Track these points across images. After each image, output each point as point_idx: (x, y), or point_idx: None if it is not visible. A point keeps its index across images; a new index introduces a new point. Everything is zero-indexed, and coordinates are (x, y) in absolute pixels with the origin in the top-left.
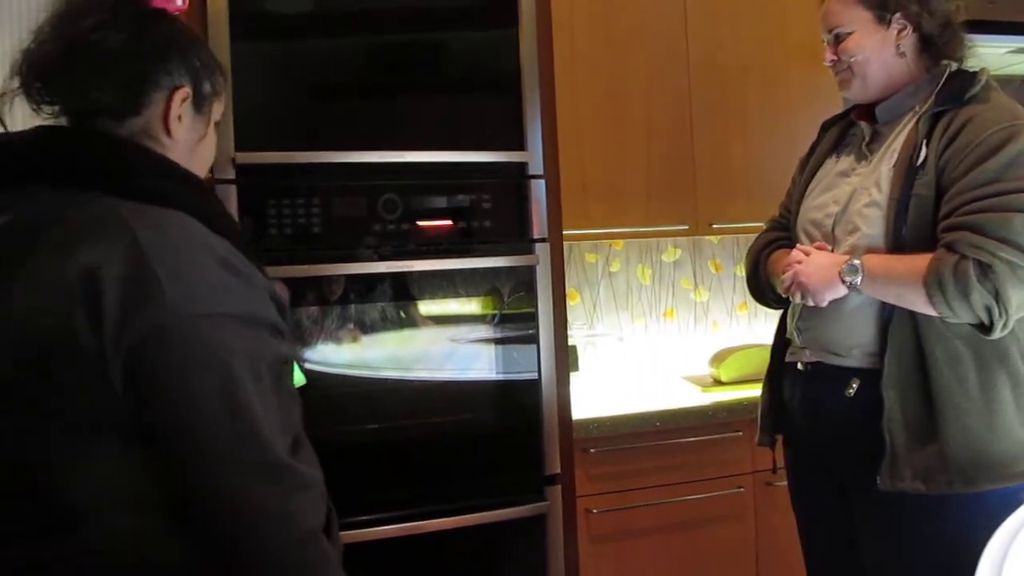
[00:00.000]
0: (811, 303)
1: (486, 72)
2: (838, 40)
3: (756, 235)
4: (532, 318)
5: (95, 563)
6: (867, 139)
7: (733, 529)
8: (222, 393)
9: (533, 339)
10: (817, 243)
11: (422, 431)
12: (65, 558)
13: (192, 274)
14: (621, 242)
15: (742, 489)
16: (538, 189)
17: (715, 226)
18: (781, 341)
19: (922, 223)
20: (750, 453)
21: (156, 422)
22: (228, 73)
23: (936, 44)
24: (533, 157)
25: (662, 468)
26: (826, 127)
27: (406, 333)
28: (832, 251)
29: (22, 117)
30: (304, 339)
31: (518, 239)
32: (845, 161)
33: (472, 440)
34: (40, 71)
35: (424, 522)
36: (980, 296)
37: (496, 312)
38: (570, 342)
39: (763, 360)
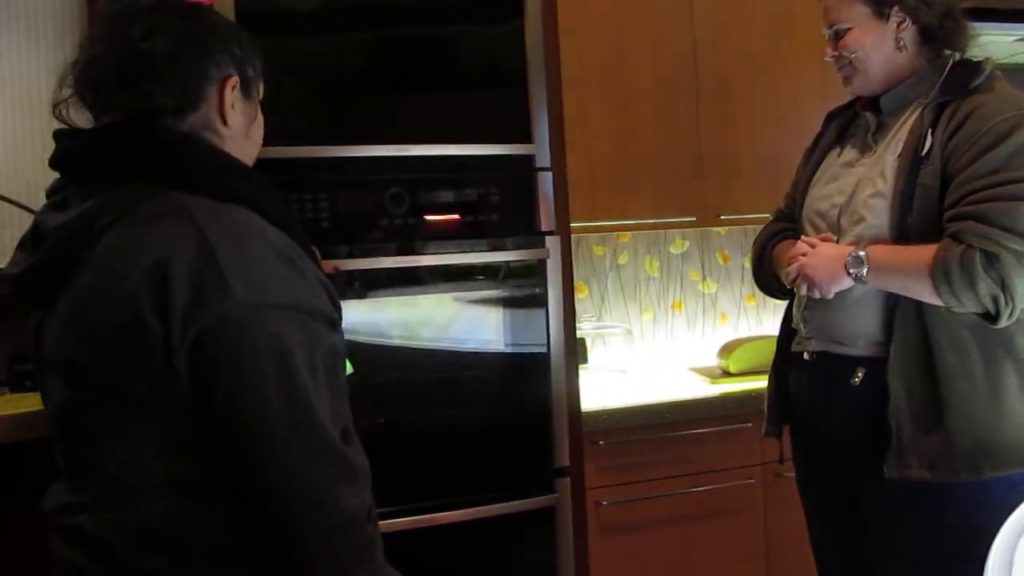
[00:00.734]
0: (817, 295)
1: (492, 65)
2: (838, 36)
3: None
4: (541, 311)
5: (147, 539)
6: (872, 130)
7: (742, 520)
8: (282, 379)
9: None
10: (822, 235)
11: (432, 425)
12: (121, 532)
13: (254, 267)
14: (629, 234)
15: (752, 480)
16: (545, 182)
17: (723, 217)
18: (786, 331)
19: (927, 213)
20: (759, 444)
21: (217, 406)
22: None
23: (937, 35)
24: (540, 150)
25: (671, 460)
26: (831, 118)
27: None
28: (837, 242)
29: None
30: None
31: (526, 232)
32: (850, 152)
33: (482, 433)
34: (98, 85)
35: (434, 515)
36: (986, 286)
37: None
38: (578, 335)
39: (771, 352)
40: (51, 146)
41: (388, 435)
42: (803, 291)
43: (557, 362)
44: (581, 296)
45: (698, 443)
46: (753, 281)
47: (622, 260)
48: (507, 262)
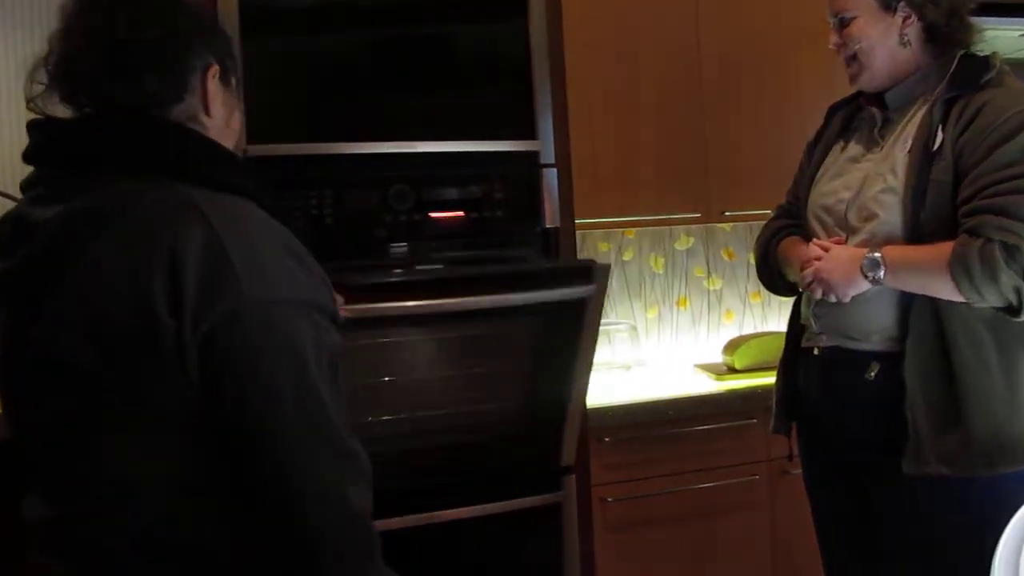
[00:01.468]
0: (833, 299)
1: (497, 62)
2: (842, 24)
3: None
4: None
5: (143, 541)
6: (878, 125)
7: (748, 517)
8: (295, 376)
9: None
10: (834, 237)
11: (438, 422)
12: (124, 540)
13: (264, 261)
14: (633, 231)
15: (757, 477)
16: (550, 178)
17: (728, 214)
18: (796, 327)
19: (940, 208)
20: (765, 441)
21: (227, 404)
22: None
23: (942, 34)
24: (545, 146)
25: (677, 457)
26: (833, 111)
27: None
28: (846, 239)
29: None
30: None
31: (530, 229)
32: (854, 147)
33: (487, 430)
34: (82, 78)
35: (440, 512)
36: (1008, 278)
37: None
38: None
39: (777, 348)
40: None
41: (395, 432)
42: (818, 295)
43: None
44: None
45: (703, 440)
46: (758, 278)
47: (627, 257)
48: (512, 258)
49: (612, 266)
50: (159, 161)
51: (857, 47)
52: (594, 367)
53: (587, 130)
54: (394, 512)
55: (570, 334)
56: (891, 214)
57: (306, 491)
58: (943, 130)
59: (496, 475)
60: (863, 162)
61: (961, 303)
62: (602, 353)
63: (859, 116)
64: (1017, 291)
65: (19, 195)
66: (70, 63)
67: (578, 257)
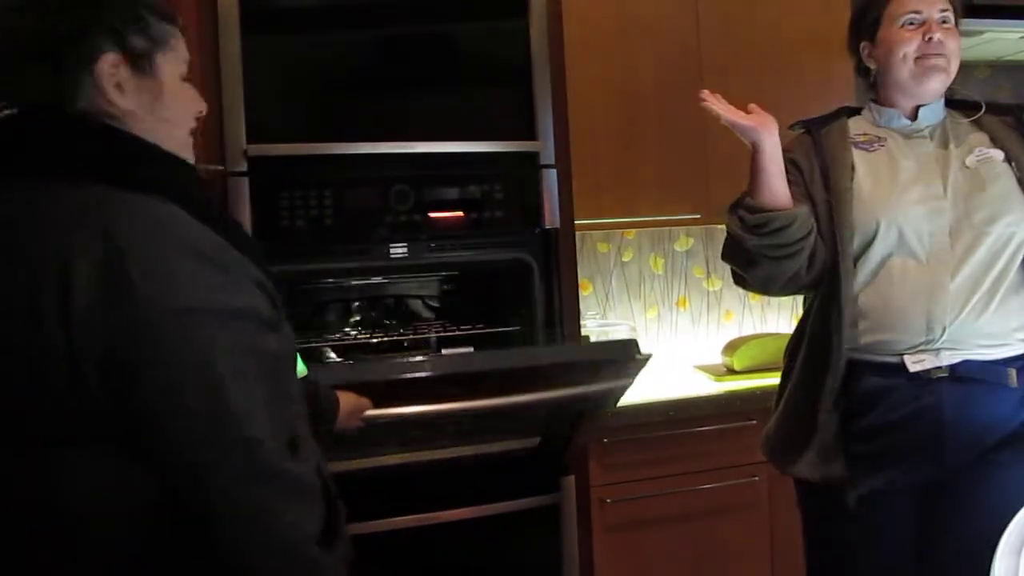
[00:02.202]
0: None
1: (497, 62)
2: (943, 23)
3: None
4: (545, 308)
5: (88, 567)
6: (926, 136)
7: (747, 518)
8: (202, 391)
9: (545, 329)
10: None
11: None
12: (59, 563)
13: (167, 266)
14: (633, 231)
15: (756, 478)
16: (550, 179)
17: None
18: (836, 357)
19: None
20: None
21: (136, 423)
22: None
23: None
24: (545, 147)
25: (676, 458)
26: (816, 123)
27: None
28: (954, 246)
29: None
30: (317, 331)
31: (530, 229)
32: (904, 158)
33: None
34: None
35: (438, 512)
36: None
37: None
38: (583, 332)
39: (777, 349)
40: None
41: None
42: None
43: None
44: (585, 293)
45: (703, 441)
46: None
47: (626, 257)
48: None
49: (612, 267)
50: (59, 162)
51: (952, 49)
52: None
53: (587, 131)
54: (393, 513)
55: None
56: (1011, 214)
57: (226, 514)
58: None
59: (495, 476)
60: (931, 168)
61: None
62: None
63: (873, 131)
64: None
65: None
66: None
67: (577, 258)
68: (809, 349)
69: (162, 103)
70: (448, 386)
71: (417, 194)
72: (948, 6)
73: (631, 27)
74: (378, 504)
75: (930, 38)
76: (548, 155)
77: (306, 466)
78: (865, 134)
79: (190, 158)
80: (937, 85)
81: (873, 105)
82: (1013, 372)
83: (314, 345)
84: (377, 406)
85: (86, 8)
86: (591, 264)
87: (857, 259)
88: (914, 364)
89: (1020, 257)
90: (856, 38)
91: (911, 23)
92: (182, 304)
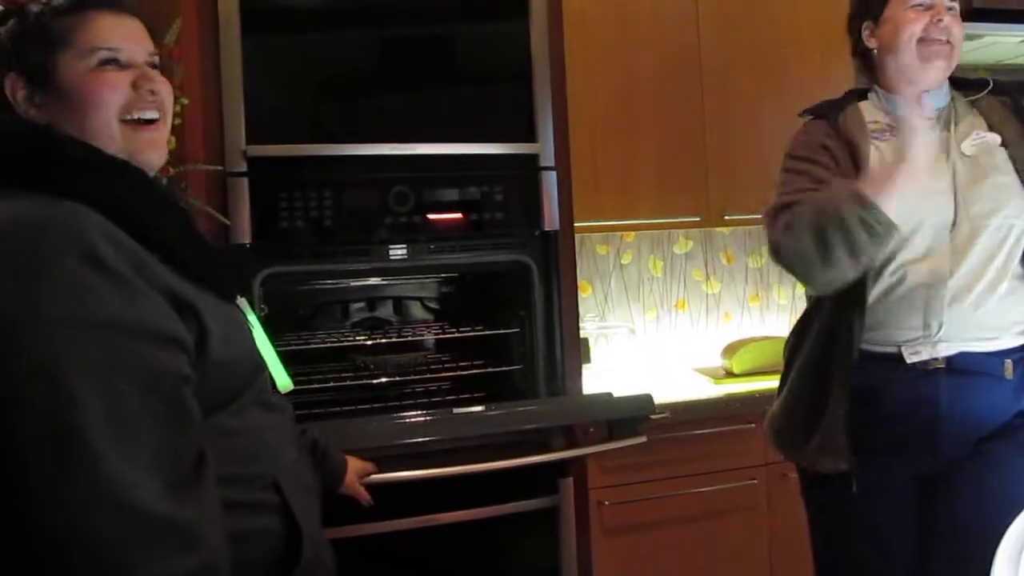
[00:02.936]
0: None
1: (497, 64)
2: (951, 10)
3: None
4: (544, 310)
5: None
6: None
7: (746, 521)
8: (49, 413)
9: (545, 331)
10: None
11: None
12: None
13: (41, 272)
14: (632, 234)
15: (755, 481)
16: (549, 181)
17: (727, 217)
18: (847, 350)
19: None
20: (763, 445)
21: None
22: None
23: None
24: (544, 149)
25: (674, 460)
26: (829, 110)
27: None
28: (953, 237)
29: None
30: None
31: (529, 231)
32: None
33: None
34: None
35: (437, 514)
36: None
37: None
38: (582, 334)
39: (776, 352)
40: None
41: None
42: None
43: (560, 362)
44: (584, 295)
45: (701, 444)
46: (757, 280)
47: (625, 259)
48: (510, 260)
49: (611, 269)
50: None
51: (953, 37)
52: (591, 369)
53: (587, 133)
54: (392, 515)
55: None
56: (1011, 205)
57: (61, 553)
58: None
59: (494, 478)
60: (938, 159)
61: None
62: (600, 355)
63: (883, 120)
64: None
65: None
66: None
67: (576, 260)
68: (819, 339)
69: (71, 106)
70: (459, 452)
71: (417, 195)
72: None
73: (631, 29)
74: (376, 506)
75: (939, 20)
76: (548, 157)
77: (193, 508)
78: (876, 122)
79: (136, 149)
80: (938, 73)
81: (879, 91)
82: (1010, 364)
83: (313, 346)
84: (382, 471)
85: None
86: (590, 266)
87: None
88: (911, 355)
89: (1021, 249)
90: (860, 17)
91: (920, 5)
92: (49, 313)
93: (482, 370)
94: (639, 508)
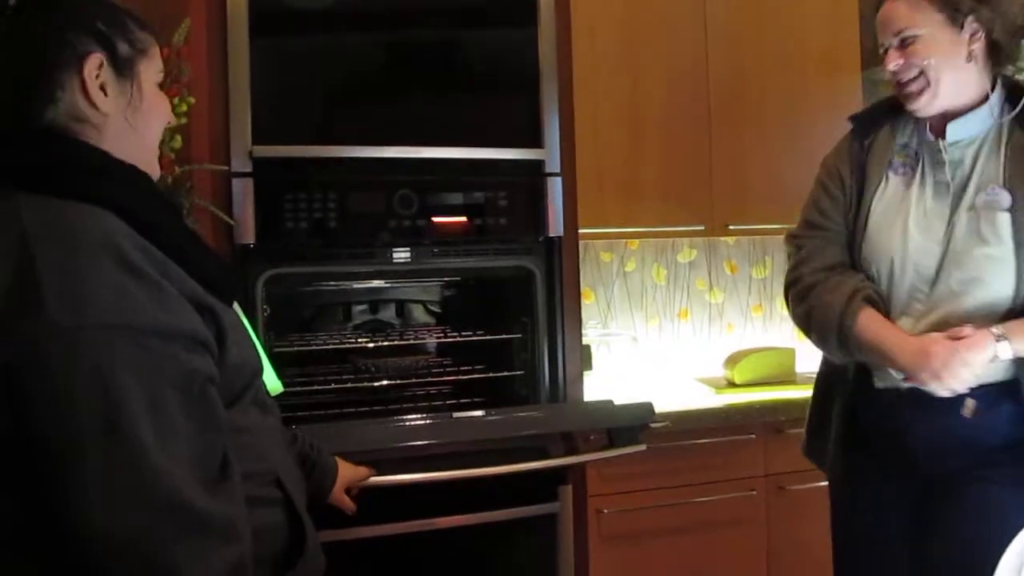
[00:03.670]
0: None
1: (504, 69)
2: (904, 44)
3: (792, 238)
4: (547, 317)
5: None
6: (945, 162)
7: (744, 532)
8: (100, 417)
9: (547, 337)
10: (960, 330)
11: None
12: None
13: (81, 280)
14: (636, 242)
15: (754, 492)
16: (554, 187)
17: (732, 227)
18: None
19: None
20: (763, 456)
21: (29, 448)
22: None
23: (1003, 52)
24: (550, 155)
25: (674, 470)
26: (865, 125)
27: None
28: (929, 300)
29: None
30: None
31: (533, 237)
32: (922, 189)
33: None
34: None
35: (435, 519)
36: None
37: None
38: (584, 341)
39: (778, 363)
40: None
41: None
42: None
43: (562, 369)
44: (587, 302)
45: (701, 454)
46: (761, 291)
47: (629, 267)
48: (513, 266)
49: (614, 276)
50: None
51: (924, 64)
52: (593, 377)
53: (593, 140)
54: (390, 518)
55: None
56: (1000, 281)
57: (116, 556)
58: None
59: (493, 484)
60: (939, 206)
61: None
62: (602, 363)
63: (905, 144)
64: None
65: None
66: None
67: (580, 267)
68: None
69: (137, 109)
70: (458, 457)
71: (421, 199)
72: (903, 25)
73: (639, 40)
74: (375, 510)
75: (889, 68)
76: (553, 163)
77: (225, 503)
78: (904, 149)
79: (153, 169)
80: (924, 110)
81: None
82: (971, 403)
83: (315, 348)
84: (381, 474)
85: (76, 13)
86: (593, 273)
87: None
88: (878, 381)
89: (994, 320)
90: None
91: (882, 46)
92: (93, 319)
93: (483, 375)
94: (638, 517)
